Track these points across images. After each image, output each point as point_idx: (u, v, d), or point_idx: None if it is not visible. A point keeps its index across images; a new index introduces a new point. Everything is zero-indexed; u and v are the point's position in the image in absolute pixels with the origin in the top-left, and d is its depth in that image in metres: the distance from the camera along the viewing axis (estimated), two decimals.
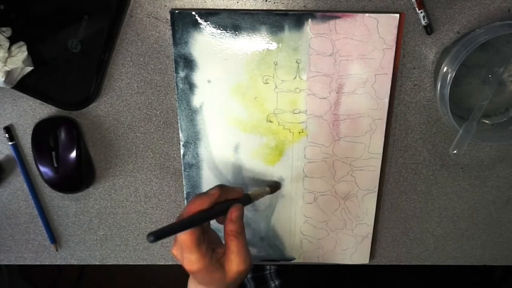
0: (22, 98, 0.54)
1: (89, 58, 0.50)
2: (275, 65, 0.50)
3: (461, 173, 0.57)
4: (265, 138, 0.54)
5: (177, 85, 0.51)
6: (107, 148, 0.56)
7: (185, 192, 0.57)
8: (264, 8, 0.49)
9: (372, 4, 0.49)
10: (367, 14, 0.48)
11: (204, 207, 0.41)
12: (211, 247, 0.43)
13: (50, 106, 0.54)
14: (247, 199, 0.47)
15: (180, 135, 0.54)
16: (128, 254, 0.63)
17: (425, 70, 0.52)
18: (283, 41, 0.49)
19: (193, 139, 0.54)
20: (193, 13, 0.48)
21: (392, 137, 0.55)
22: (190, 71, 0.51)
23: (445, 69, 0.47)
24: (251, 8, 0.49)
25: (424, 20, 0.49)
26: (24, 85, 0.50)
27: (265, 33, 0.49)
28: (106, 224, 0.61)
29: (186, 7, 0.50)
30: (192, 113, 0.53)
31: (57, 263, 0.64)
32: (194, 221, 0.40)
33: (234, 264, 0.42)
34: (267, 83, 0.51)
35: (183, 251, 0.41)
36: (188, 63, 0.50)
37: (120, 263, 0.64)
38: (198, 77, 0.51)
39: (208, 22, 0.49)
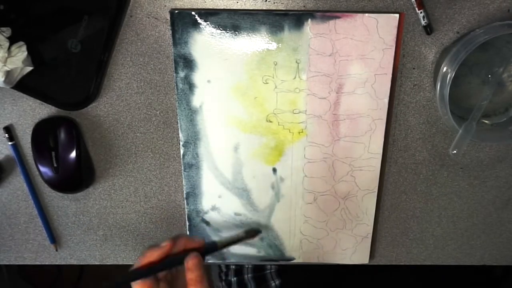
0: (22, 98, 0.54)
1: (89, 58, 0.50)
2: (275, 65, 0.50)
3: (461, 173, 0.57)
4: (265, 138, 0.54)
5: (176, 85, 0.51)
6: (107, 148, 0.56)
7: (185, 192, 0.57)
8: (264, 8, 0.49)
9: (372, 4, 0.49)
10: (366, 14, 0.48)
11: (153, 259, 0.43)
12: None
13: (50, 106, 0.54)
14: (212, 247, 0.48)
15: (180, 135, 0.54)
16: (128, 254, 0.63)
17: (424, 70, 0.52)
18: (282, 41, 0.49)
19: (193, 139, 0.54)
20: (193, 13, 0.48)
21: (391, 137, 0.55)
22: (190, 71, 0.51)
23: (444, 69, 0.47)
24: (251, 8, 0.49)
25: (423, 20, 0.49)
26: (24, 85, 0.50)
27: (265, 33, 0.49)
28: (106, 224, 0.61)
29: (186, 7, 0.50)
30: (192, 113, 0.53)
31: (57, 263, 0.64)
32: (142, 274, 0.43)
33: None
34: (267, 83, 0.51)
35: None
36: (188, 63, 0.50)
37: (120, 263, 0.64)
38: (198, 77, 0.51)
39: (208, 22, 0.49)
